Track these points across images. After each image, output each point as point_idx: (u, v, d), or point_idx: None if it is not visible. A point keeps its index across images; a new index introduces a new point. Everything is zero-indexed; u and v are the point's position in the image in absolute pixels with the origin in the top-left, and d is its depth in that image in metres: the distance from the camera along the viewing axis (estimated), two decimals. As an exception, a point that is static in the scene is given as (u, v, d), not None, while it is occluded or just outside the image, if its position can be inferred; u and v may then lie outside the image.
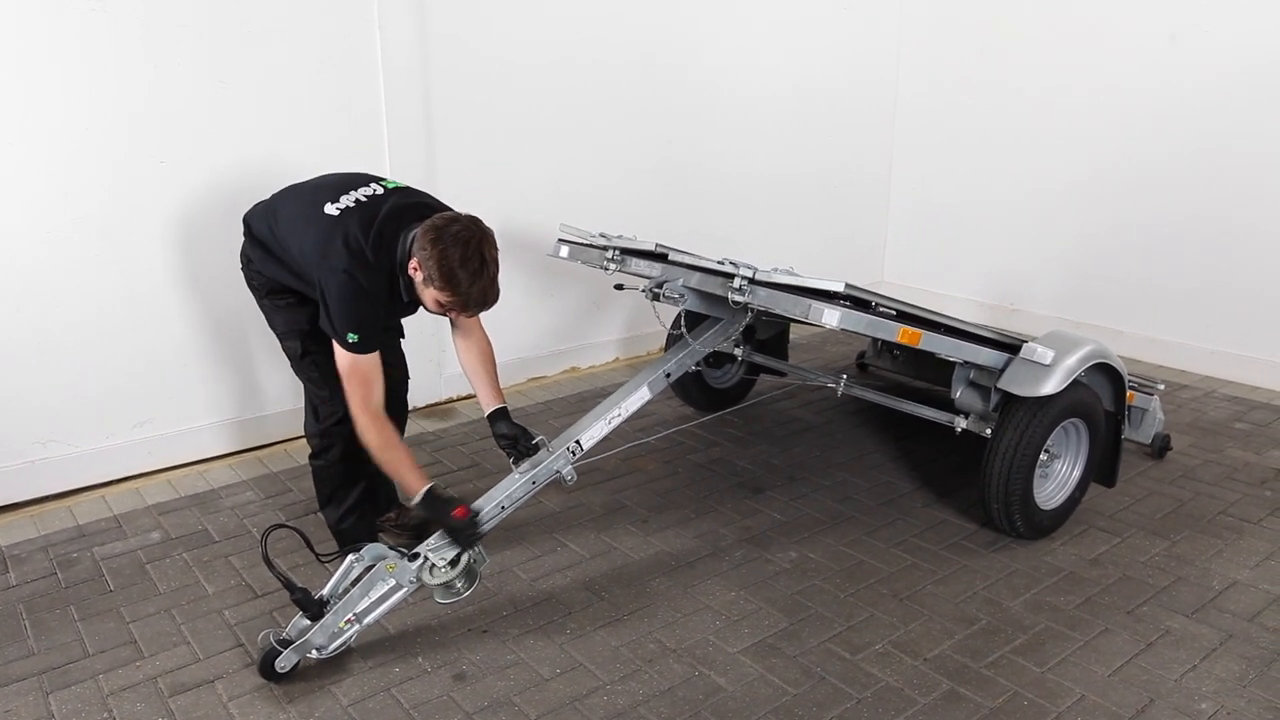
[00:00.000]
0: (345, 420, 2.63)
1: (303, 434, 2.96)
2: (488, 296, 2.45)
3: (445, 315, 2.58)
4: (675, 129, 4.80)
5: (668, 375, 3.08)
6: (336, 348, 2.49)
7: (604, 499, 3.38)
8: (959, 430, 3.20)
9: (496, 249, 2.45)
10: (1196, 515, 3.25)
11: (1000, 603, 2.73)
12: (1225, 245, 4.52)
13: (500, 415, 2.77)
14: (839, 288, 2.55)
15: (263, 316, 2.86)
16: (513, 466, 2.75)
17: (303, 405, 2.90)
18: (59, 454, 3.37)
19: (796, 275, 2.71)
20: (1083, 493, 3.17)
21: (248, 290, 2.85)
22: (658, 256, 3.19)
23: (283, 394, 3.77)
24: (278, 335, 2.82)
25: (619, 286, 3.43)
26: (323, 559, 2.53)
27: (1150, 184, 4.73)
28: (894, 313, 2.73)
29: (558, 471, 2.74)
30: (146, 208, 3.34)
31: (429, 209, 2.57)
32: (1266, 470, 3.60)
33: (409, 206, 2.56)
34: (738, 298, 2.74)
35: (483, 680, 2.40)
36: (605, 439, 2.89)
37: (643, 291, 3.15)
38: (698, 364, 3.29)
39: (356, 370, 2.48)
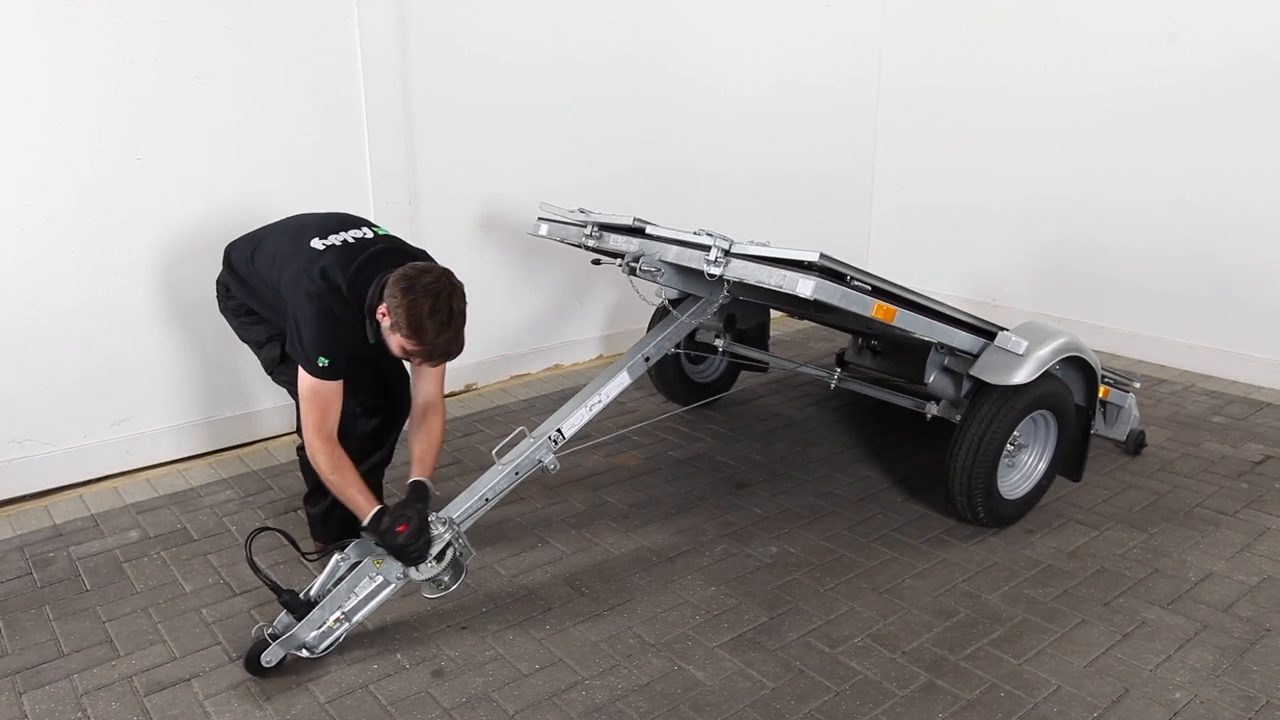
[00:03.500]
0: None
1: (283, 432, 2.95)
2: (452, 348, 2.47)
3: (409, 361, 2.58)
4: (658, 127, 4.80)
5: (647, 359, 3.07)
6: (301, 372, 2.48)
7: (585, 495, 3.37)
8: (929, 417, 3.21)
9: (465, 302, 2.47)
10: (1174, 508, 3.28)
11: (978, 595, 2.75)
12: (1206, 242, 4.55)
13: (419, 489, 2.56)
14: (814, 258, 2.54)
15: (236, 334, 2.88)
16: (494, 457, 2.74)
17: (283, 404, 2.89)
18: (36, 453, 3.34)
19: (772, 248, 2.70)
20: (1049, 483, 3.19)
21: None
22: (635, 231, 3.18)
23: (262, 393, 3.73)
24: (255, 344, 2.82)
25: (596, 262, 3.43)
26: (307, 558, 2.52)
27: (1133, 182, 4.76)
28: (869, 287, 2.70)
29: (540, 461, 2.74)
30: (122, 204, 3.32)
31: (409, 257, 2.60)
32: (1243, 463, 3.63)
33: (390, 252, 2.60)
34: (713, 270, 2.72)
35: (461, 676, 2.39)
36: (587, 435, 2.88)
37: (620, 266, 3.14)
38: (677, 346, 3.26)
39: (318, 395, 2.47)
